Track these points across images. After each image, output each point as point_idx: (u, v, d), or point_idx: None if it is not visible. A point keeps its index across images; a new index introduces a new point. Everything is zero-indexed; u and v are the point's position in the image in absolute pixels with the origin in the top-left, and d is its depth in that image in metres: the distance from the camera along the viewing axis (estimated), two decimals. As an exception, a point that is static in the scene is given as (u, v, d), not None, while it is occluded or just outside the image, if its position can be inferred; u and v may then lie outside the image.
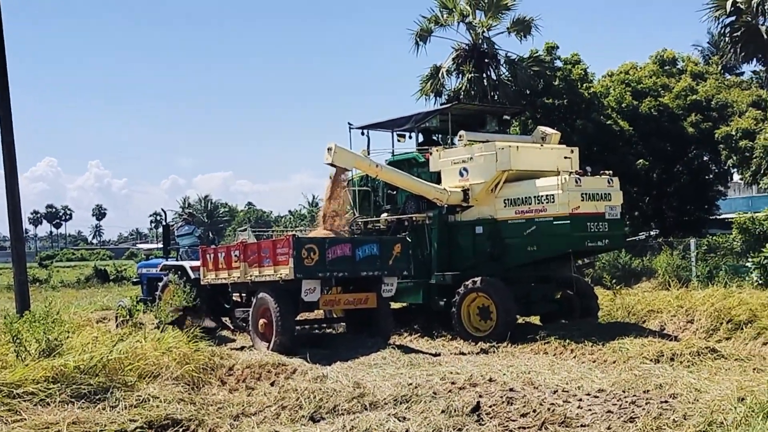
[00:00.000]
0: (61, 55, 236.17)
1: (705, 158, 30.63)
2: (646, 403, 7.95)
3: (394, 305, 15.48)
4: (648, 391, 8.64)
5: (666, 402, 7.95)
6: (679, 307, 14.60)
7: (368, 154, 16.76)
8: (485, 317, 14.38)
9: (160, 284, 16.25)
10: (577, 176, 14.20)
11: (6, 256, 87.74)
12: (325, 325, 15.91)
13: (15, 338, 9.56)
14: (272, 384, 10.05)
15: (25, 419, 7.66)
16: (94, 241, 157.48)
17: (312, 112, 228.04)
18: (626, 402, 8.10)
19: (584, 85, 28.02)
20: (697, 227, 29.25)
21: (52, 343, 9.59)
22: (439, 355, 12.87)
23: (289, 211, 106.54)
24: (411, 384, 9.37)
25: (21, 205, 15.95)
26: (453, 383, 9.42)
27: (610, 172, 14.96)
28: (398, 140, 17.69)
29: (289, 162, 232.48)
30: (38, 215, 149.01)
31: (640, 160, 27.69)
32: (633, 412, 7.70)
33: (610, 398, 8.35)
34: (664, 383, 8.88)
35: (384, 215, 16.90)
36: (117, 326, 15.89)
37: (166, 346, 10.34)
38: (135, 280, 20.06)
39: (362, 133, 17.56)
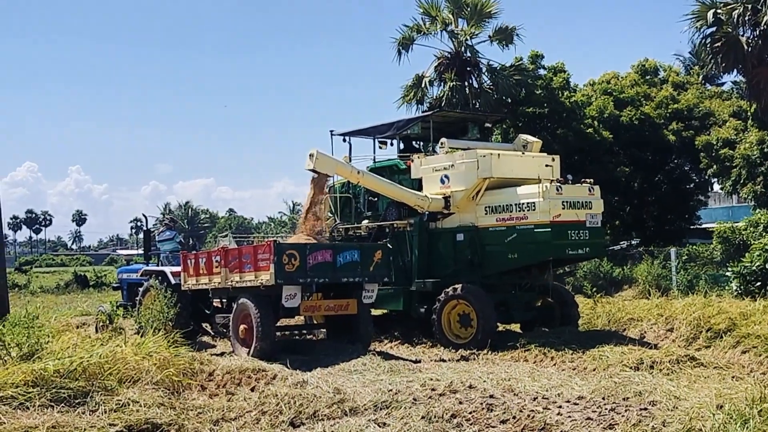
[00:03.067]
0: (42, 59, 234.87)
1: (686, 168, 30.94)
2: (626, 410, 7.98)
3: (375, 312, 15.47)
4: (627, 398, 8.67)
5: (645, 409, 7.98)
6: (659, 315, 14.69)
7: (350, 160, 16.79)
8: (465, 324, 14.40)
9: (141, 289, 16.14)
10: (558, 184, 14.27)
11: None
12: (305, 331, 15.88)
13: (-1, 340, 9.51)
14: (252, 389, 10.02)
15: (4, 423, 7.60)
16: (74, 246, 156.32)
17: (294, 119, 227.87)
18: (606, 409, 8.12)
19: (565, 93, 28.21)
20: (678, 236, 29.52)
21: (33, 347, 9.54)
22: (419, 361, 12.88)
23: (269, 218, 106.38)
24: (391, 390, 9.37)
25: (1, 210, 15.87)
26: (433, 390, 9.42)
27: (591, 180, 15.05)
28: (380, 147, 17.72)
29: (270, 169, 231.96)
30: (18, 220, 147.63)
31: (621, 169, 27.90)
32: (612, 419, 7.74)
33: (590, 405, 8.37)
34: (644, 391, 8.92)
35: (365, 222, 16.91)
36: (97, 331, 15.81)
37: (147, 350, 10.28)
38: (115, 285, 19.96)
39: (344, 140, 17.60)
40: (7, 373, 8.59)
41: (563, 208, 14.08)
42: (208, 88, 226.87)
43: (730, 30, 24.14)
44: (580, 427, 7.60)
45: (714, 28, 24.36)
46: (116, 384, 8.96)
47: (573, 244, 14.31)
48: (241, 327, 13.40)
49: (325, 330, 15.10)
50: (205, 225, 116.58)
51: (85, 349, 9.86)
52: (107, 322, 15.24)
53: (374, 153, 17.63)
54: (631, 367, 10.94)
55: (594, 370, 11.24)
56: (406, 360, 12.85)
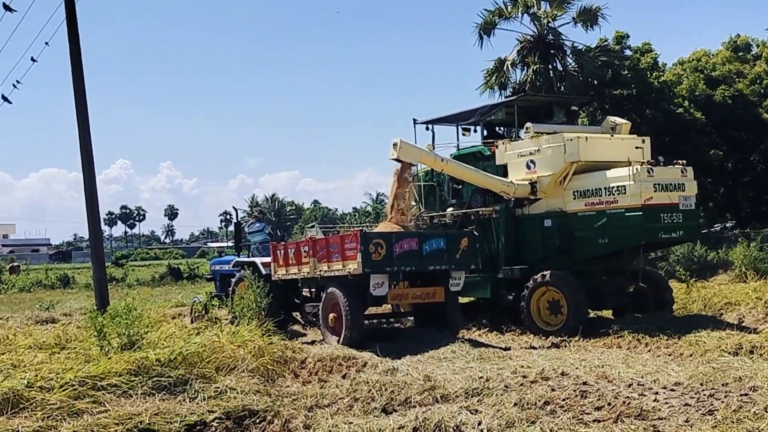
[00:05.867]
0: (132, 57, 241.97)
1: (783, 146, 29.80)
2: (725, 396, 7.77)
3: (462, 300, 15.42)
4: (727, 384, 8.45)
5: (746, 395, 7.75)
6: (758, 299, 14.27)
7: (433, 148, 16.75)
8: (555, 311, 14.24)
9: (233, 280, 16.49)
10: (650, 166, 13.95)
11: (85, 256, 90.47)
12: (393, 319, 15.96)
13: (100, 332, 9.89)
14: (344, 377, 10.15)
15: (109, 410, 7.91)
16: (167, 240, 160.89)
17: (377, 109, 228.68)
18: (704, 395, 7.92)
19: (654, 74, 27.50)
20: (775, 218, 28.48)
21: (133, 337, 9.90)
22: (509, 349, 12.79)
23: (354, 208, 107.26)
24: (482, 377, 9.33)
25: (99, 206, 16.50)
26: (524, 377, 9.34)
27: (684, 161, 14.65)
28: (463, 134, 17.62)
29: (354, 160, 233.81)
30: (113, 216, 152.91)
31: (714, 150, 27.06)
32: (711, 404, 7.54)
33: (688, 391, 8.19)
34: (744, 376, 8.67)
35: (450, 209, 16.86)
36: (192, 321, 16.26)
37: (242, 339, 10.55)
38: (208, 276, 20.45)
39: (427, 128, 17.52)
40: (110, 362, 8.96)
41: (655, 191, 13.75)
42: (293, 81, 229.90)
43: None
44: (678, 413, 7.43)
45: (811, 0, 23.35)
46: (214, 372, 9.22)
47: (666, 227, 13.97)
48: (331, 315, 13.57)
49: (412, 318, 15.16)
50: (291, 216, 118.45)
51: (182, 338, 10.20)
52: (203, 312, 15.66)
53: (458, 140, 17.55)
54: (729, 352, 10.66)
55: (691, 355, 10.96)
56: (496, 347, 12.79)
